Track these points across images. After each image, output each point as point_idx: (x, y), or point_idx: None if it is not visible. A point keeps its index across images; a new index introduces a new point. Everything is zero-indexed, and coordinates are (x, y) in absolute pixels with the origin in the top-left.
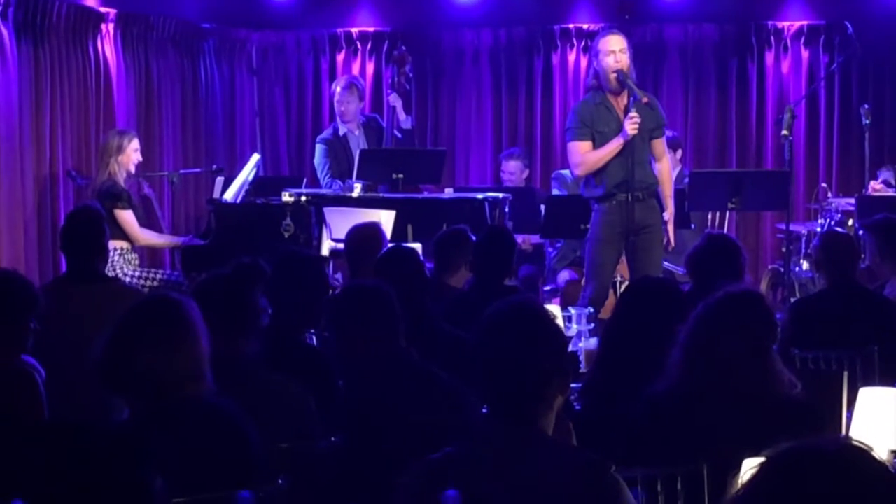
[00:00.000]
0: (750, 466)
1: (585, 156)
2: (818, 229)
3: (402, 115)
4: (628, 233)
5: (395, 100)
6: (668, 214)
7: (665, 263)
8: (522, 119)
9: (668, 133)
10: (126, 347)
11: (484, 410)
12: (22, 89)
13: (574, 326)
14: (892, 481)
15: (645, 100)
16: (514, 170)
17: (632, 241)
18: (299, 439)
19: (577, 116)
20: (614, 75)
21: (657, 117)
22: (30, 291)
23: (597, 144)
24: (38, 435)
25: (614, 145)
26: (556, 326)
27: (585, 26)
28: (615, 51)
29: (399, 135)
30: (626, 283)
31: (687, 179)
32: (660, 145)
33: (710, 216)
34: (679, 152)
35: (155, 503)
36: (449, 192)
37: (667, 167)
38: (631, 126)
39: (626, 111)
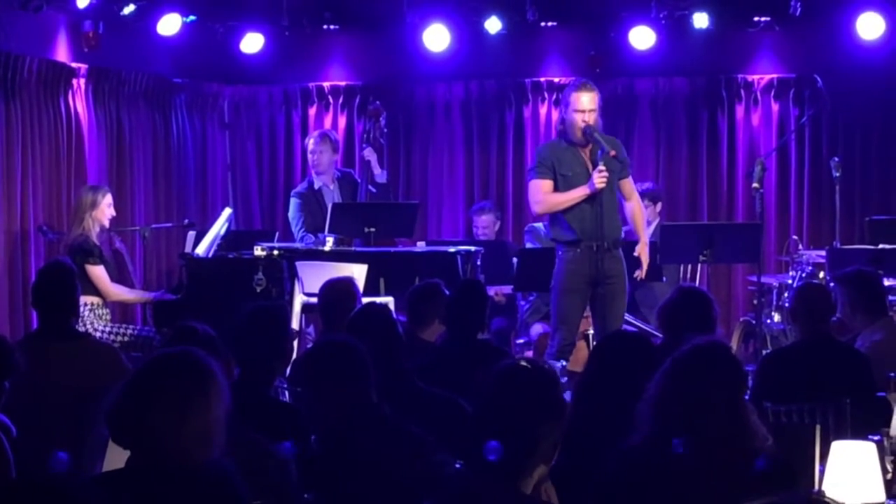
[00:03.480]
0: None
1: (546, 196)
2: (789, 282)
3: (376, 170)
4: (595, 283)
5: (369, 154)
6: (643, 245)
7: (629, 317)
8: (494, 172)
9: (649, 185)
10: (139, 402)
11: (458, 466)
12: None
13: None
14: None
15: (613, 153)
16: (486, 224)
17: (597, 291)
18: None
19: (539, 156)
20: (580, 129)
21: (622, 162)
22: (8, 351)
23: (560, 187)
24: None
25: (578, 194)
26: (562, 398)
27: (557, 79)
28: (585, 111)
29: (374, 189)
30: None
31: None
32: (628, 185)
33: (681, 269)
34: (659, 205)
35: None
36: (421, 246)
37: (637, 205)
38: (599, 180)
39: (594, 162)
